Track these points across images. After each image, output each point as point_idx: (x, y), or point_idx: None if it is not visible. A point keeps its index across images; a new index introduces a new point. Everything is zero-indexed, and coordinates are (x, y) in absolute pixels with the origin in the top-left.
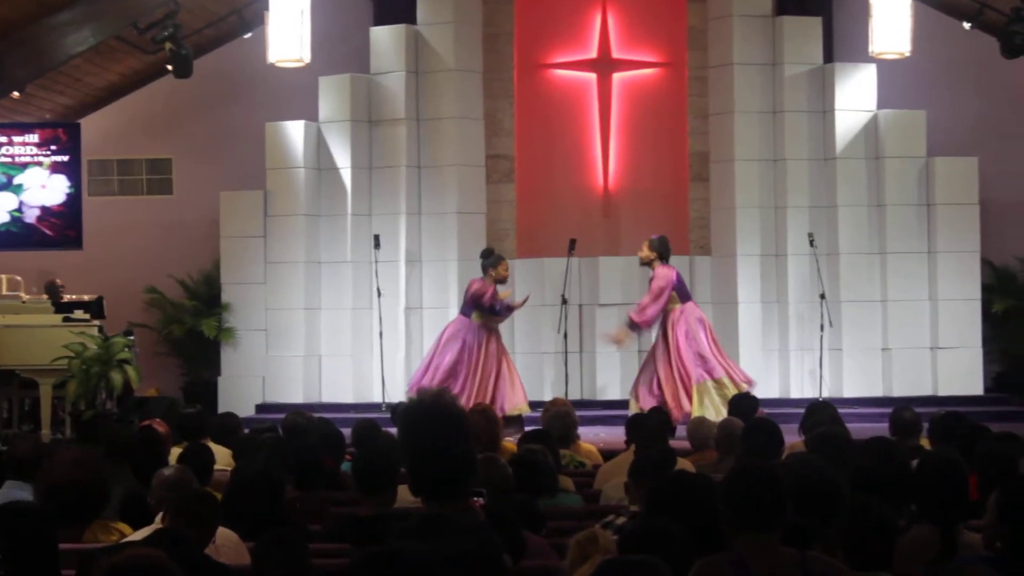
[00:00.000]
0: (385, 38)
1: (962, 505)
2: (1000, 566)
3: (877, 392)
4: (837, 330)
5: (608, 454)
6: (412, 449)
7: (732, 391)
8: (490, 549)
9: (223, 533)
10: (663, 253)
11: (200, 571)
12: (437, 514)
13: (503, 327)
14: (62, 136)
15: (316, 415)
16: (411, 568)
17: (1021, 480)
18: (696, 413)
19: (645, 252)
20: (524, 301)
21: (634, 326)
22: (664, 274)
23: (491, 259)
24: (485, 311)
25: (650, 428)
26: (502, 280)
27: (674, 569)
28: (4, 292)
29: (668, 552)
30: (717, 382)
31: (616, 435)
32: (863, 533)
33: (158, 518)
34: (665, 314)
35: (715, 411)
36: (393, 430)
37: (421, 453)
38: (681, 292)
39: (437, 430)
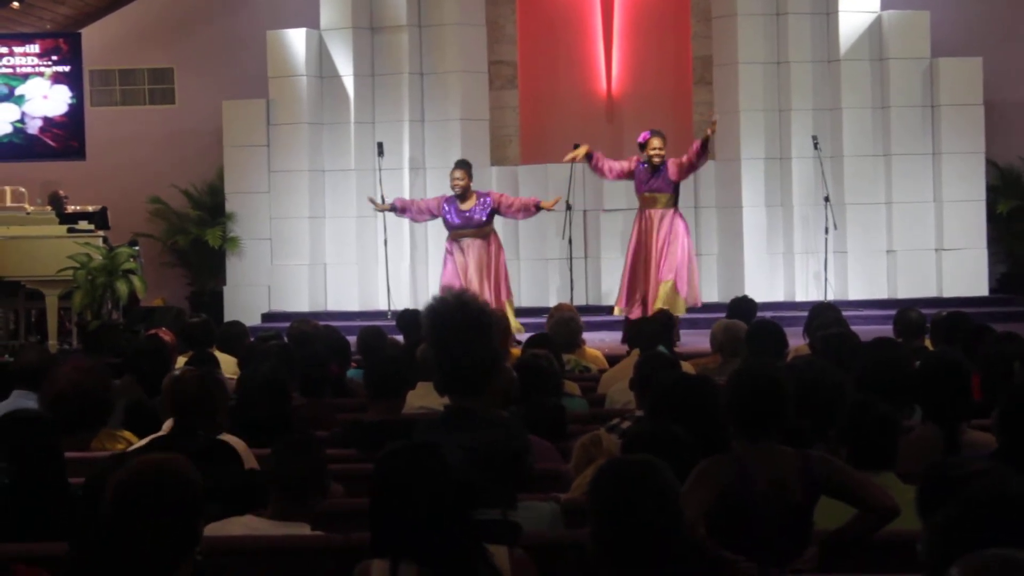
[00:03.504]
0: None
1: (965, 404)
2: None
3: (882, 294)
4: (842, 233)
5: (613, 359)
6: (438, 345)
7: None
8: (516, 441)
9: (230, 440)
10: None
11: (213, 457)
12: (463, 407)
13: (508, 231)
14: (63, 46)
15: (322, 323)
16: (436, 459)
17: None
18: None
19: (660, 146)
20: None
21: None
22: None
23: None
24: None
25: (651, 332)
26: (454, 188)
27: (677, 471)
28: (8, 204)
29: (671, 454)
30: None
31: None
32: (865, 432)
33: (166, 425)
34: (666, 212)
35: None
36: (399, 337)
37: (447, 349)
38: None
39: (460, 327)
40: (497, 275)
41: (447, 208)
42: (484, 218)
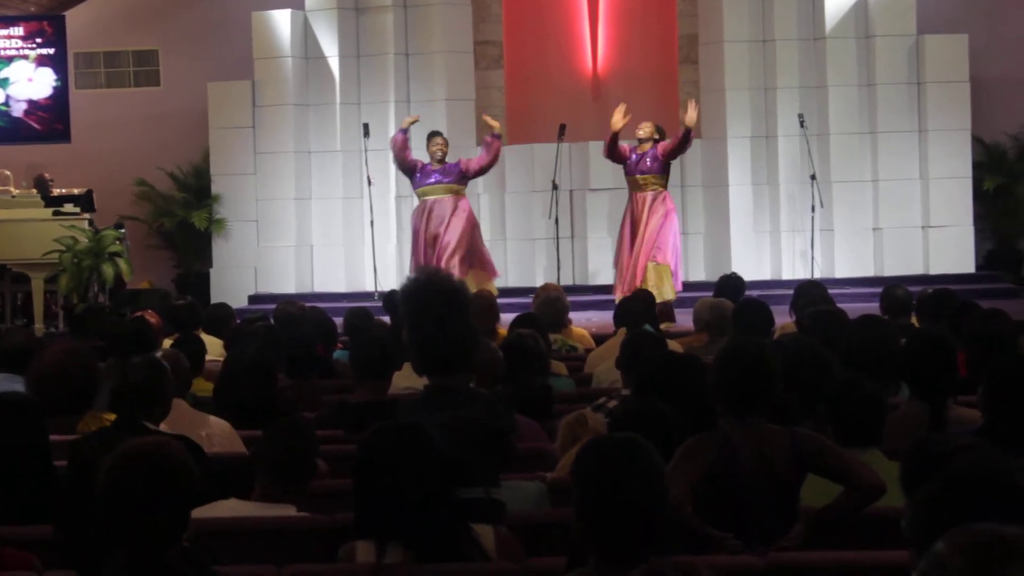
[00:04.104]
0: None
1: (951, 381)
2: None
3: (868, 272)
4: (828, 211)
5: (600, 338)
6: (414, 324)
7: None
8: (498, 420)
9: (215, 422)
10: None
11: None
12: (443, 387)
13: (494, 209)
14: (47, 29)
15: (308, 304)
16: (421, 439)
17: (1010, 357)
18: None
19: (650, 131)
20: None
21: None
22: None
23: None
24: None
25: (636, 311)
26: (433, 156)
27: (663, 449)
28: None
29: (657, 432)
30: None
31: (608, 319)
32: (852, 410)
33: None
34: (657, 194)
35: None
36: (386, 318)
37: (423, 327)
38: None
39: (436, 305)
40: (466, 240)
41: (420, 171)
42: (452, 176)
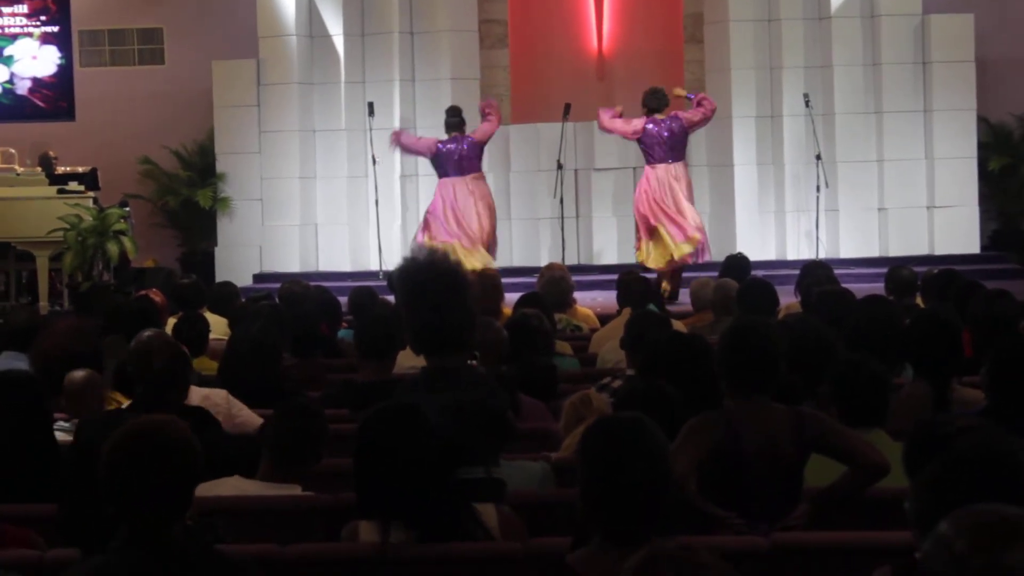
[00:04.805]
0: None
1: (955, 361)
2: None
3: (873, 252)
4: (833, 191)
5: (605, 318)
6: (411, 306)
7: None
8: (494, 400)
9: (211, 392)
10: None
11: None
12: (441, 367)
13: (499, 190)
14: (51, 6)
15: (313, 283)
16: (418, 420)
17: (1015, 338)
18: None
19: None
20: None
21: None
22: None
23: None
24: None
25: (640, 292)
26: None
27: (668, 429)
28: None
29: (662, 412)
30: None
31: (613, 299)
32: (856, 389)
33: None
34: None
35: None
36: (391, 297)
37: (420, 309)
38: None
39: (434, 285)
40: (483, 216)
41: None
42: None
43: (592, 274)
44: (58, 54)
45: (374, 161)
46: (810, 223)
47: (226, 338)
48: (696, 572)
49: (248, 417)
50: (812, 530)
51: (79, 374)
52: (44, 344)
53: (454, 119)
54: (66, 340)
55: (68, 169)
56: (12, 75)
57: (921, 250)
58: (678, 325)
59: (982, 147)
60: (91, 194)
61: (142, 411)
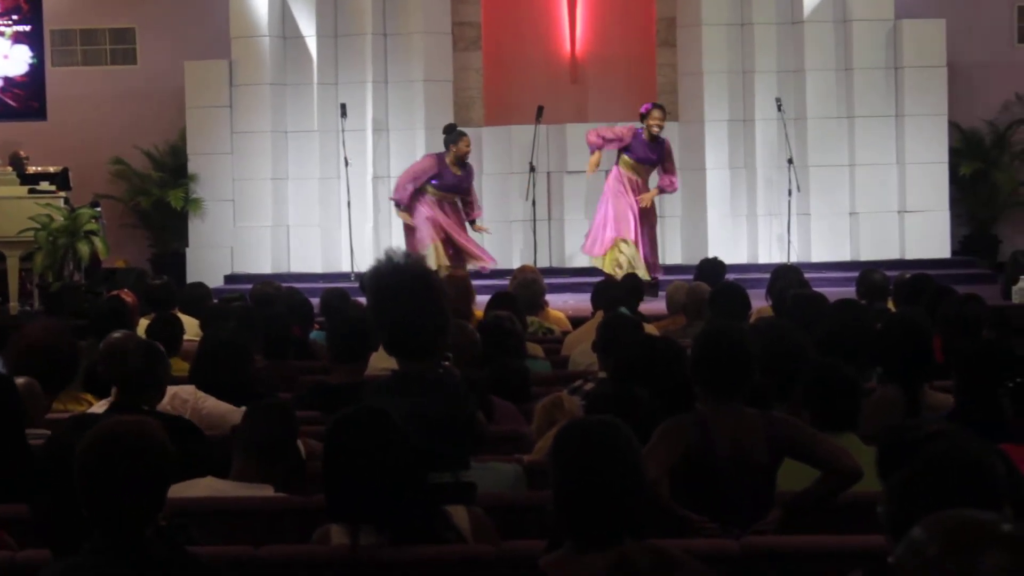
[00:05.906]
0: None
1: (926, 366)
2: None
3: (845, 256)
4: (805, 195)
5: (577, 321)
6: (382, 309)
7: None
8: (465, 405)
9: (181, 388)
10: None
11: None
12: (411, 371)
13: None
14: (23, 6)
15: (284, 285)
16: (388, 424)
17: (981, 341)
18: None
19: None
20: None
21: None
22: None
23: (452, 135)
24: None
25: (615, 295)
26: (462, 156)
27: (639, 432)
28: None
29: (633, 415)
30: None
31: (585, 302)
32: (828, 394)
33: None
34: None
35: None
36: (362, 299)
37: (391, 312)
38: None
39: (406, 289)
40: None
41: (440, 169)
42: (467, 186)
43: (564, 277)
44: (30, 53)
45: (346, 163)
46: (782, 227)
47: (198, 339)
48: (670, 571)
49: (214, 406)
50: (785, 534)
51: (19, 381)
52: (18, 343)
53: (452, 136)
54: (40, 339)
55: (39, 169)
56: None
57: (892, 254)
58: (650, 328)
59: (953, 152)
60: (62, 194)
61: (118, 412)
